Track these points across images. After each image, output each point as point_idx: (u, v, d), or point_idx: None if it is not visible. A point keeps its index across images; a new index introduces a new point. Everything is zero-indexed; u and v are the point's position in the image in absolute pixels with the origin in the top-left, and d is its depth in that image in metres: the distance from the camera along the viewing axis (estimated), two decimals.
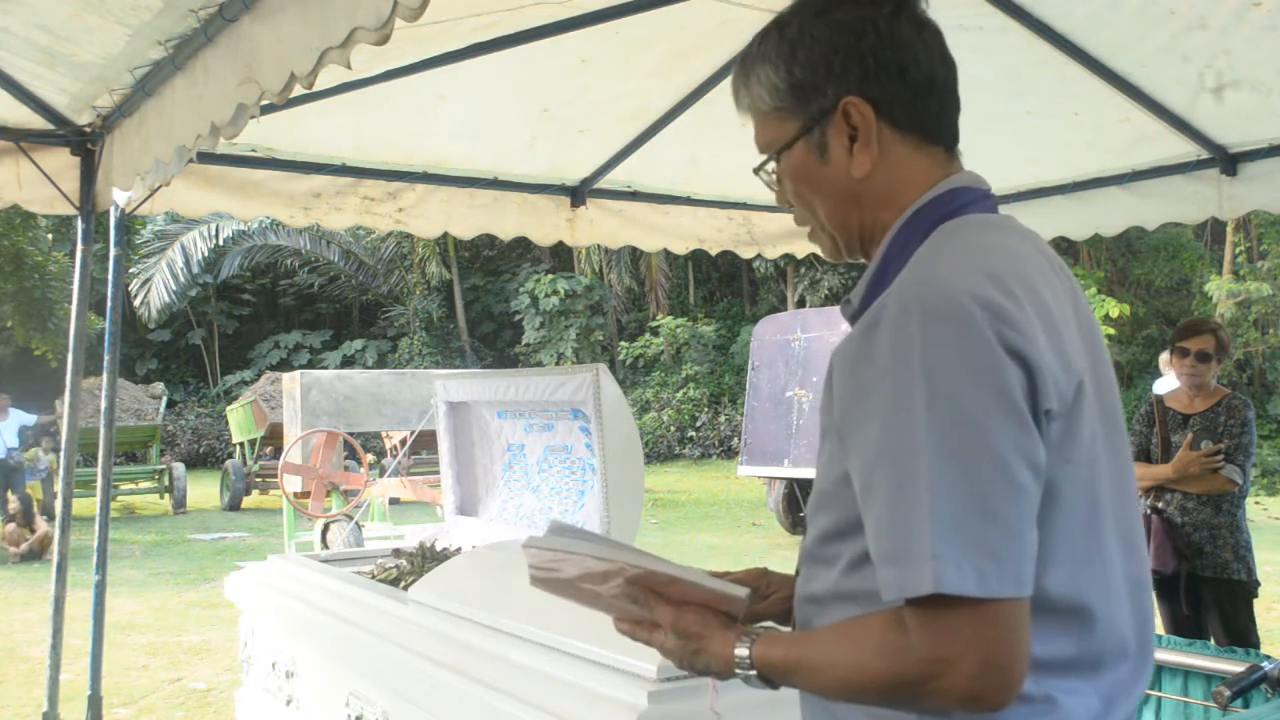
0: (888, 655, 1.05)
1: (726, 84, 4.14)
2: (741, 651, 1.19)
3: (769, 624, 1.30)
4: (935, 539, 0.98)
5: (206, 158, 3.81)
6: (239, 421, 17.15)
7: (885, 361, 1.05)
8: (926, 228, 1.17)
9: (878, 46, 1.19)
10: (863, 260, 1.29)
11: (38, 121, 3.54)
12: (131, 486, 15.93)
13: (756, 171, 1.33)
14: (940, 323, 1.03)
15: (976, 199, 1.21)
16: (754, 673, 1.19)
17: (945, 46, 1.24)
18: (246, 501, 16.24)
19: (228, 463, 16.94)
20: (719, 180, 4.77)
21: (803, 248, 5.19)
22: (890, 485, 1.03)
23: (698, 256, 22.60)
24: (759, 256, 5.28)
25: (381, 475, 10.52)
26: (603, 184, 4.66)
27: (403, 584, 3.15)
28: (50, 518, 13.56)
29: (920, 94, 1.21)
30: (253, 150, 3.96)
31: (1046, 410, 1.05)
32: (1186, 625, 4.00)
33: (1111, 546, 1.14)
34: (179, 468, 16.11)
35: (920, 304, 1.04)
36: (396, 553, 3.63)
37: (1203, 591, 4.01)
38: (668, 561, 1.24)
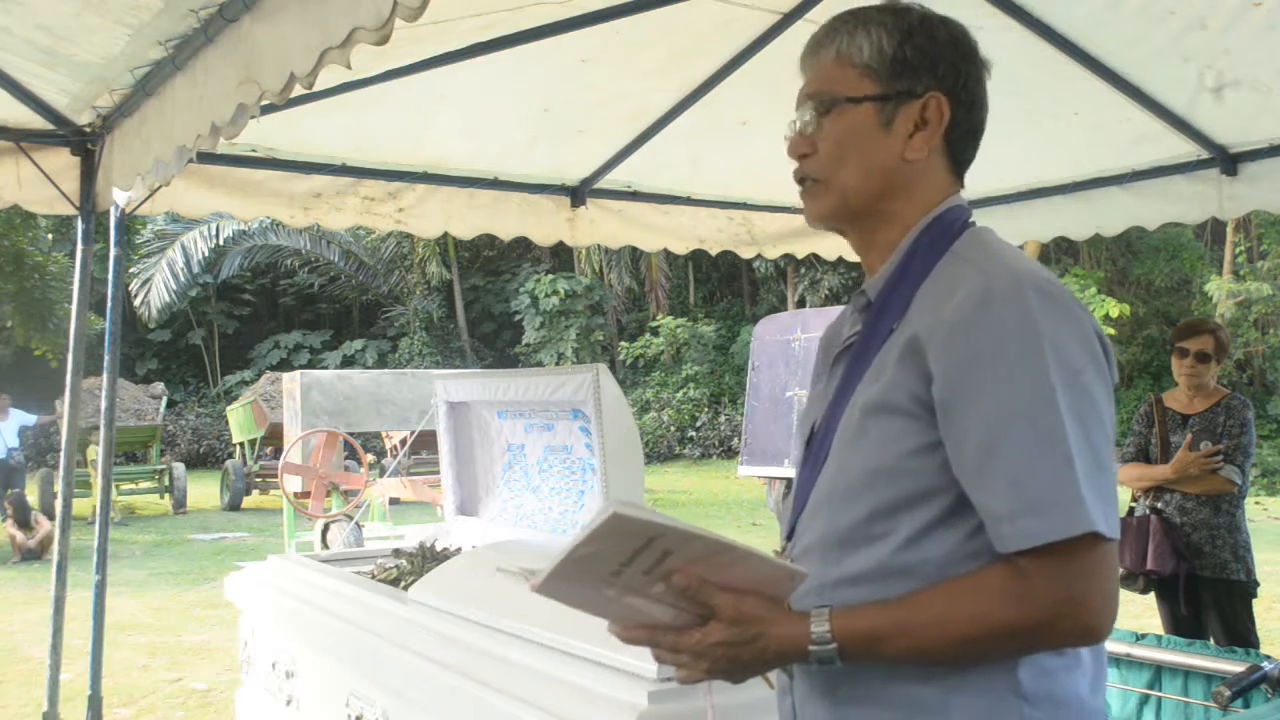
0: (1014, 603, 1.13)
1: (727, 84, 4.16)
2: (819, 628, 1.19)
3: None
4: (1080, 486, 1.11)
5: (206, 158, 3.81)
6: (239, 421, 17.14)
7: (1007, 333, 1.15)
8: (950, 234, 1.30)
9: (971, 76, 1.34)
10: (836, 230, 1.39)
11: (38, 121, 3.54)
12: (131, 486, 15.92)
13: (813, 106, 1.33)
14: (1055, 304, 1.17)
15: (967, 217, 1.35)
16: (833, 646, 1.18)
17: None
18: (246, 501, 16.23)
19: (228, 463, 16.93)
20: (719, 180, 4.77)
21: (803, 248, 5.19)
22: (1030, 440, 1.12)
23: (698, 256, 22.59)
24: (759, 256, 5.28)
25: (381, 475, 10.52)
26: (603, 184, 4.66)
27: (403, 584, 3.15)
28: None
29: (974, 132, 1.37)
30: (253, 150, 3.96)
31: (1115, 385, 1.22)
32: (1186, 625, 4.00)
33: None
34: (179, 468, 16.10)
35: (1036, 288, 1.17)
36: (396, 553, 3.63)
37: (1202, 592, 4.01)
38: (731, 539, 1.18)
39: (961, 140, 1.35)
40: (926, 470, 1.19)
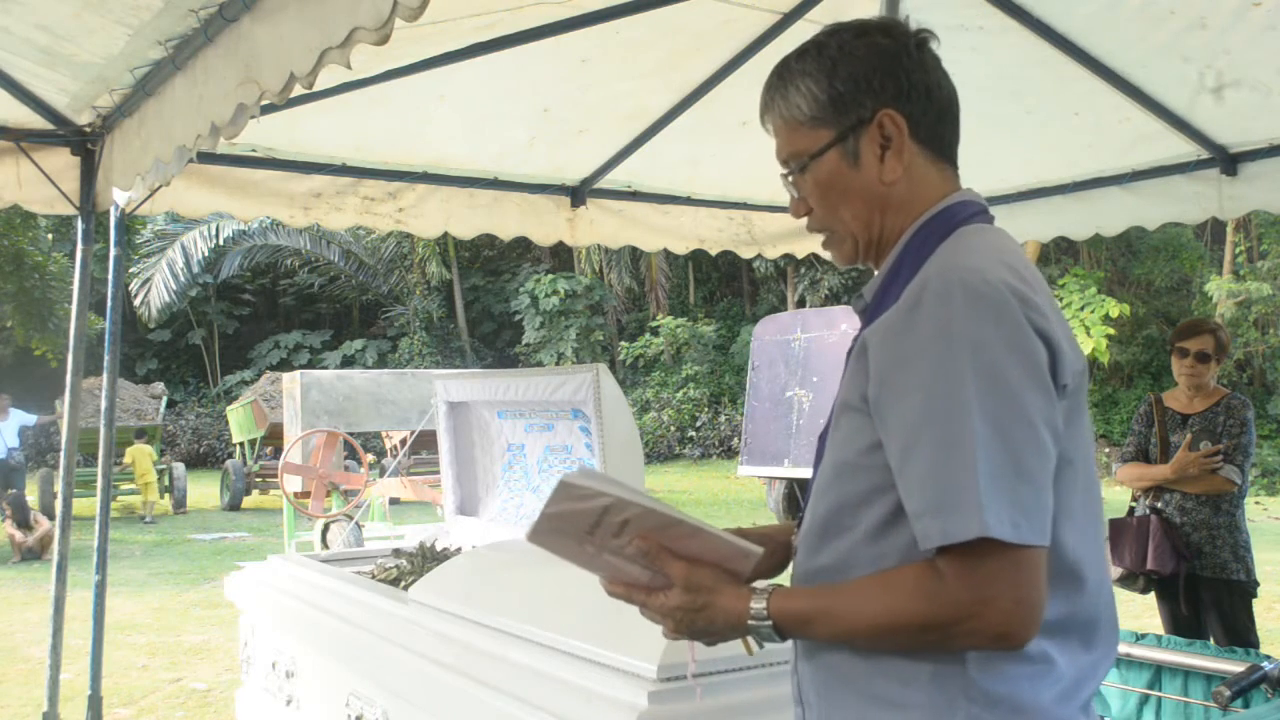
0: (924, 599, 1.15)
1: (726, 84, 4.16)
2: (758, 604, 1.26)
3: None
4: (980, 491, 1.10)
5: (206, 158, 3.81)
6: (239, 421, 17.15)
7: (929, 334, 1.16)
8: (943, 232, 1.29)
9: (910, 69, 1.32)
10: (870, 265, 1.41)
11: (38, 121, 3.54)
12: (131, 486, 15.92)
13: (787, 175, 1.40)
14: (981, 303, 1.15)
15: (979, 211, 1.35)
16: (769, 623, 1.25)
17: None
18: (246, 501, 16.24)
19: (228, 463, 16.93)
20: (719, 180, 4.77)
21: (802, 248, 5.19)
22: (937, 443, 1.14)
23: (698, 256, 22.60)
24: (759, 256, 5.28)
25: (381, 475, 10.52)
26: (603, 184, 4.66)
27: (403, 584, 3.15)
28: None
29: (941, 115, 1.35)
30: (253, 150, 3.96)
31: (1063, 385, 1.19)
32: (1186, 625, 4.00)
33: (1097, 521, 1.28)
34: (179, 468, 16.10)
35: (963, 287, 1.16)
36: (396, 553, 3.63)
37: (1201, 592, 4.01)
38: (690, 516, 1.28)
39: (932, 132, 1.35)
40: (878, 467, 1.22)
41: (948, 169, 1.37)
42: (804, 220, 1.43)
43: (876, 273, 1.38)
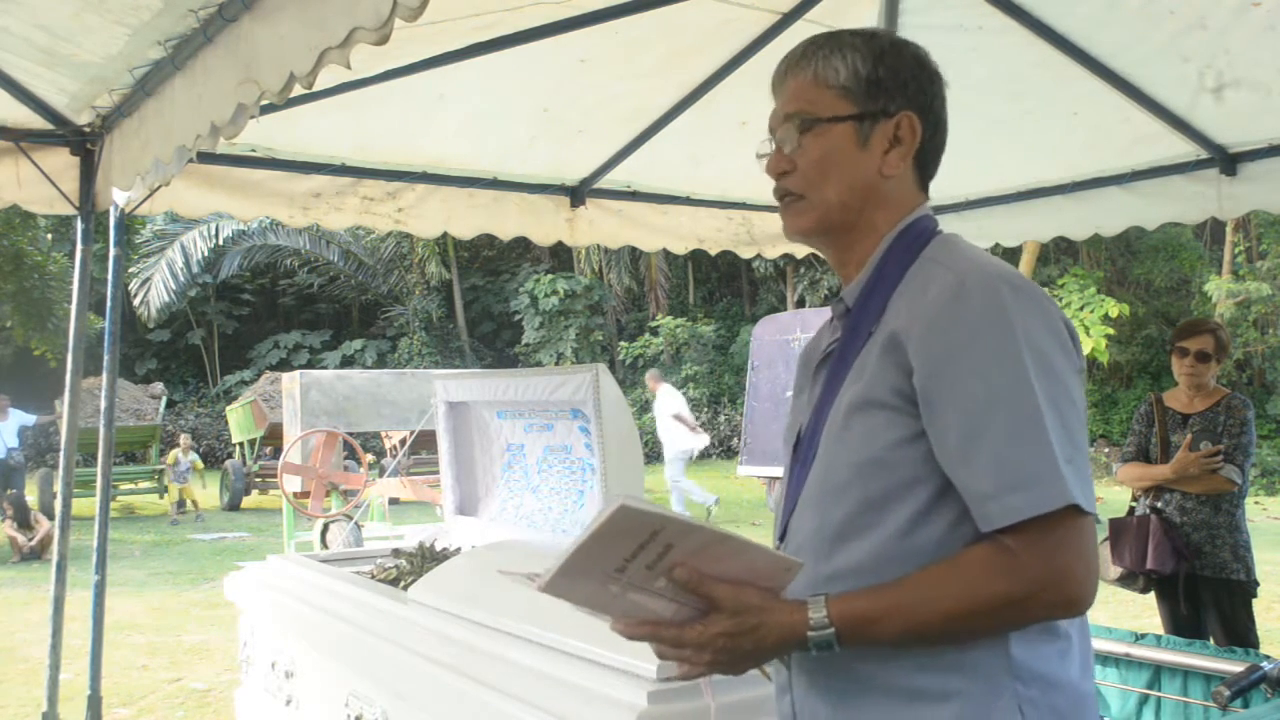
0: (1001, 577, 1.18)
1: (726, 84, 4.15)
2: (817, 614, 1.23)
3: None
4: (1059, 465, 1.18)
5: (206, 158, 3.80)
6: (239, 421, 17.14)
7: (983, 323, 1.22)
8: (920, 242, 1.36)
9: (936, 96, 1.41)
10: (818, 247, 1.48)
11: (38, 121, 3.54)
12: (131, 486, 15.92)
13: (794, 126, 1.38)
14: (1026, 296, 1.24)
15: (935, 226, 1.42)
16: (831, 630, 1.22)
17: None
18: (246, 501, 16.23)
19: (227, 463, 16.93)
20: (719, 180, 4.77)
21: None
22: (1010, 423, 1.19)
23: (697, 256, 22.59)
24: (759, 256, 5.29)
25: (381, 475, 10.52)
26: (602, 184, 4.66)
27: (403, 584, 3.16)
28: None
29: (938, 149, 1.44)
30: (253, 150, 3.95)
31: (1080, 370, 1.28)
32: (1186, 625, 4.00)
33: None
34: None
35: (1006, 281, 1.24)
36: (396, 553, 3.63)
37: (1201, 591, 4.01)
38: (727, 530, 1.22)
39: (928, 156, 1.42)
40: (910, 461, 1.24)
41: (923, 194, 1.44)
42: None
43: (854, 280, 1.40)
